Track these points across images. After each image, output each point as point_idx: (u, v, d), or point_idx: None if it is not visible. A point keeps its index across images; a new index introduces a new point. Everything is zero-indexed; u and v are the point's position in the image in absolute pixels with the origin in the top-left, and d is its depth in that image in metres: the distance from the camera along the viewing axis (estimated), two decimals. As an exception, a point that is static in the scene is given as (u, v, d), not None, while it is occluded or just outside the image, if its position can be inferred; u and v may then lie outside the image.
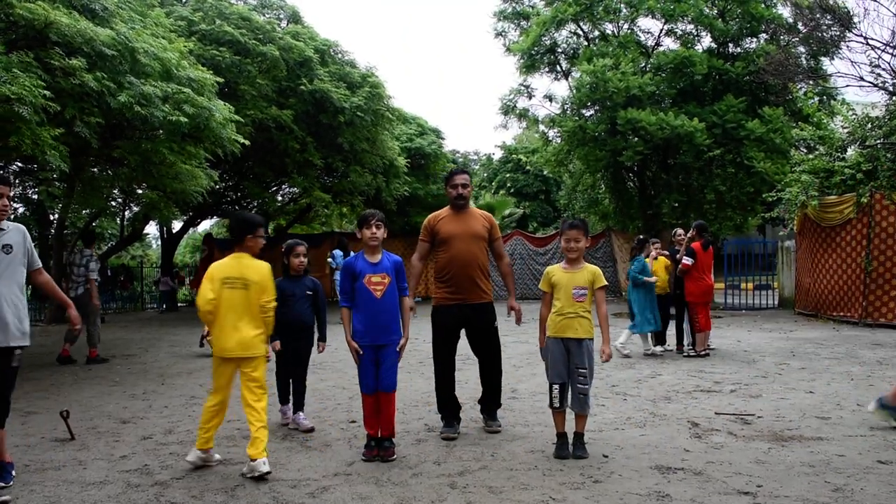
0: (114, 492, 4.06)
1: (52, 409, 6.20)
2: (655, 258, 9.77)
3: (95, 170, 11.87)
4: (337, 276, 13.48)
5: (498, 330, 5.50)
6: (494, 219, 5.69)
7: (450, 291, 5.34)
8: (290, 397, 5.76)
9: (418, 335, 11.92)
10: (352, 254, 4.79)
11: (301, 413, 5.69)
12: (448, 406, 5.39)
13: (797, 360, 8.70)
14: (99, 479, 4.30)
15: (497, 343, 5.50)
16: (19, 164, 15.27)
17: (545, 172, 28.92)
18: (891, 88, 13.56)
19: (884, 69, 13.43)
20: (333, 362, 8.94)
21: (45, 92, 7.42)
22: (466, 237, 5.33)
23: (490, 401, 5.52)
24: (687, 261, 9.06)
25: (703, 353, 9.01)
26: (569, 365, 4.67)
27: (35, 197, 18.87)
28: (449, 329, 5.40)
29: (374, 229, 4.68)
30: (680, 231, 10.05)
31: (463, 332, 5.49)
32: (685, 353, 9.22)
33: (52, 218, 20.48)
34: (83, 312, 9.64)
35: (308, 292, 5.75)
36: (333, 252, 14.40)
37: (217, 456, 4.63)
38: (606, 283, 4.77)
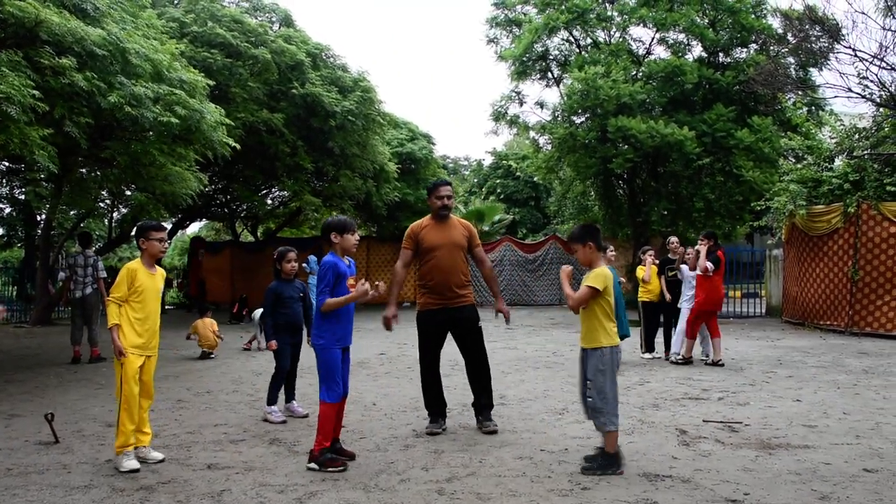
0: (98, 496, 4.02)
1: (37, 412, 6.13)
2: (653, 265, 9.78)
3: (84, 170, 11.79)
4: (312, 280, 13.42)
5: (482, 330, 5.69)
6: (473, 227, 5.91)
7: (433, 297, 5.58)
8: (278, 396, 6.19)
9: (406, 341, 11.91)
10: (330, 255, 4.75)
11: (294, 401, 6.31)
12: (434, 404, 5.65)
13: (784, 368, 8.75)
14: (83, 483, 4.26)
15: (482, 344, 5.70)
16: (7, 164, 15.17)
17: (535, 179, 28.99)
18: (878, 100, 13.69)
19: (871, 81, 13.57)
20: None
21: (34, 91, 7.36)
22: (449, 246, 5.56)
23: (482, 401, 5.66)
24: (709, 265, 8.88)
25: (720, 361, 8.89)
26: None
27: (22, 197, 18.71)
28: (434, 333, 5.64)
29: (357, 235, 4.84)
30: (673, 239, 10.06)
31: (450, 336, 5.69)
32: (706, 361, 9.05)
33: (38, 219, 20.31)
34: (88, 312, 9.68)
35: (300, 294, 6.32)
36: (309, 258, 14.36)
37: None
38: (593, 286, 4.45)
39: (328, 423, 4.58)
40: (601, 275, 4.49)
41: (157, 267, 4.93)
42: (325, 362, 4.58)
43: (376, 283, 4.81)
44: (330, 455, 4.56)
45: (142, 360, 4.71)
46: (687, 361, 9.06)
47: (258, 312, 10.62)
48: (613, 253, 9.71)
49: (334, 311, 4.58)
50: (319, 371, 4.61)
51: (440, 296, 5.53)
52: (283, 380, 6.22)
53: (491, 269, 5.87)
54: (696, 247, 9.21)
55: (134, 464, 4.51)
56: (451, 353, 5.71)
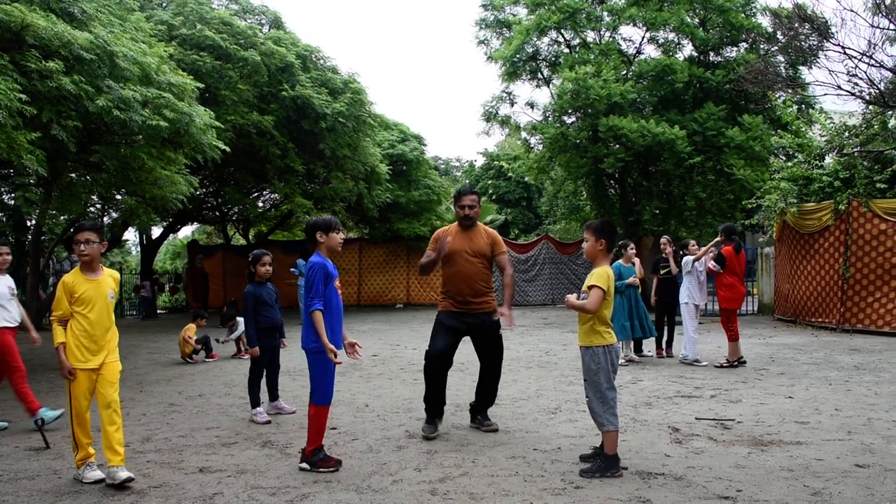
0: (89, 501, 4.00)
1: (27, 418, 6.08)
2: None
3: (73, 175, 11.70)
4: (302, 282, 13.36)
5: (502, 337, 5.69)
6: (497, 235, 5.89)
7: (454, 303, 5.59)
8: (259, 397, 6.27)
9: (398, 342, 11.89)
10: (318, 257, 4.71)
11: (280, 399, 6.42)
12: (435, 401, 5.56)
13: (776, 365, 8.77)
14: (74, 488, 4.23)
15: (501, 348, 5.71)
16: (-5, 169, 15.06)
17: (527, 179, 28.98)
18: (867, 97, 13.76)
19: (860, 78, 13.63)
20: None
21: (21, 95, 7.30)
22: (469, 254, 5.58)
23: (486, 403, 5.72)
24: (714, 266, 8.87)
25: (735, 363, 8.71)
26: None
27: (11, 202, 18.58)
28: (451, 329, 5.55)
29: (343, 234, 4.80)
30: (664, 239, 10.06)
31: (466, 340, 5.68)
32: (718, 364, 8.84)
33: (28, 224, 20.18)
34: None
35: (275, 296, 6.48)
36: (298, 261, 14.30)
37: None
38: (600, 286, 4.37)
39: (322, 424, 4.57)
40: (605, 274, 4.46)
41: (102, 269, 4.55)
42: (320, 366, 4.54)
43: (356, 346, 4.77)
44: (322, 455, 4.55)
45: (92, 377, 4.44)
46: (741, 363, 8.77)
47: (241, 320, 10.57)
48: (634, 251, 9.53)
49: (327, 313, 4.55)
50: (313, 374, 4.56)
51: (460, 302, 5.56)
52: (260, 381, 6.27)
53: (511, 276, 5.79)
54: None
55: (98, 474, 4.35)
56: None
